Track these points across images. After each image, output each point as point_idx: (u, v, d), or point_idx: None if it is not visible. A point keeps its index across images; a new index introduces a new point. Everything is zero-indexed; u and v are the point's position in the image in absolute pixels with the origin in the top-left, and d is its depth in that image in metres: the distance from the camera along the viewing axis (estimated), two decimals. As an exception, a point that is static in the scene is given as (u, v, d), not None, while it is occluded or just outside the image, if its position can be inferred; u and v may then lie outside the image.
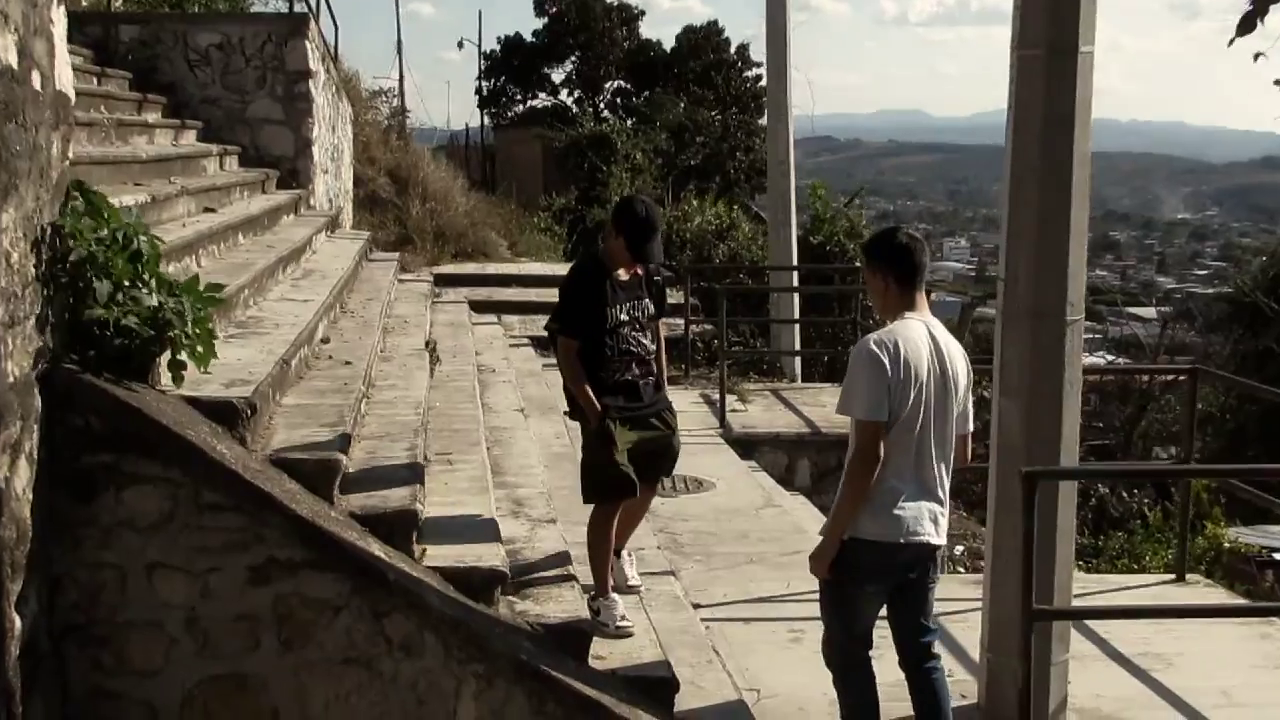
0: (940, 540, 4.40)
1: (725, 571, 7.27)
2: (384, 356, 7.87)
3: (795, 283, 14.36)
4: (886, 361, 4.13)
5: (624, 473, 5.53)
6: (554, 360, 10.35)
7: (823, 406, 11.76)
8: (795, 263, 14.29)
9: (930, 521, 4.35)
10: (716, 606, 6.68)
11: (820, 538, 4.38)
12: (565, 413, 5.89)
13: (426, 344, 8.69)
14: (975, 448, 4.82)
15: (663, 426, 5.76)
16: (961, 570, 10.47)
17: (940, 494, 4.36)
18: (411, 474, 5.37)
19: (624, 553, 6.19)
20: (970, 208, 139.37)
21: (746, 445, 10.50)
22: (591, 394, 5.48)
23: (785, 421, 11.20)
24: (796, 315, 14.15)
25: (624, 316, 5.59)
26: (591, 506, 5.69)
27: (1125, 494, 11.82)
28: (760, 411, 11.64)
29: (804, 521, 8.68)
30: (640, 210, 5.53)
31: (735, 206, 21.23)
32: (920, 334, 4.25)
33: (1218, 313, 23.53)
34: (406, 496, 5.08)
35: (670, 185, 27.33)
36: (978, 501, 13.71)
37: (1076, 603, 5.76)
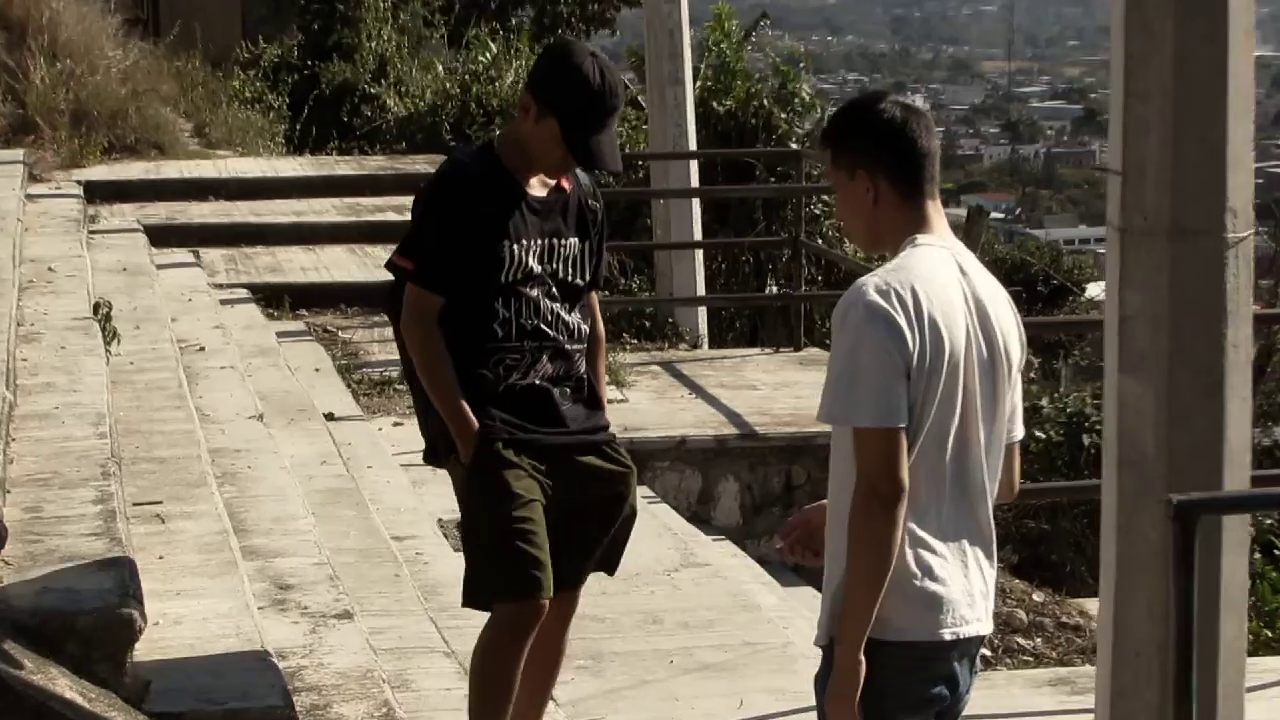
0: (989, 625, 4.33)
1: (631, 687, 7.21)
2: (26, 335, 7.80)
3: (693, 181, 14.34)
4: (903, 323, 3.94)
5: (534, 533, 5.20)
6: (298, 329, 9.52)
7: (753, 389, 11.80)
8: (693, 148, 14.27)
9: (982, 597, 4.25)
10: (624, 747, 6.65)
11: (821, 647, 4.17)
12: (425, 454, 5.58)
13: (95, 308, 8.63)
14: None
15: (605, 465, 5.50)
16: (1003, 660, 10.56)
17: (991, 545, 4.26)
18: (111, 546, 5.23)
19: None
20: (927, 45, 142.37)
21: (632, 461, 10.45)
22: (462, 403, 5.17)
23: (693, 417, 11.24)
24: (697, 236, 14.09)
25: (534, 264, 5.27)
26: (482, 614, 5.40)
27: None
28: (650, 401, 11.67)
29: (748, 588, 8.74)
30: (590, 70, 5.28)
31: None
32: (948, 272, 4.11)
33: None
34: (111, 590, 4.90)
35: (452, 25, 27.07)
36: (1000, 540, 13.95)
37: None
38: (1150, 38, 4.98)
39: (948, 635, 4.10)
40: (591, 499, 5.45)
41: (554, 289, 5.36)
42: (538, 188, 5.36)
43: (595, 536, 5.50)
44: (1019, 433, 4.30)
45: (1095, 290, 23.51)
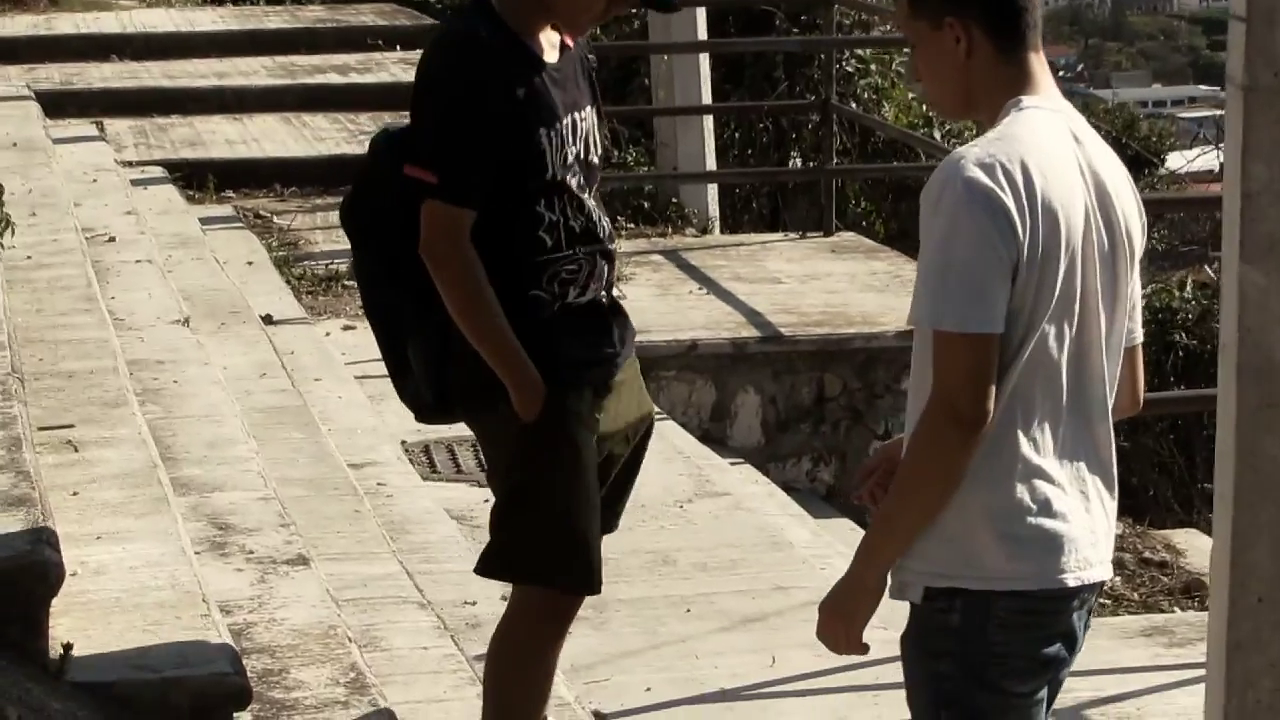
0: (1109, 569, 4.33)
1: (641, 636, 7.26)
2: None
3: (701, 33, 14.31)
4: (1011, 205, 3.87)
5: (596, 515, 5.19)
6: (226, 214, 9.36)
7: (776, 282, 11.79)
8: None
9: (1105, 535, 4.24)
10: (636, 717, 6.63)
11: (910, 601, 4.16)
12: (427, 411, 5.36)
13: (-21, 192, 8.48)
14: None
15: (638, 390, 5.49)
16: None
17: (1112, 470, 4.25)
18: (16, 481, 5.23)
19: None
20: None
21: (634, 369, 10.50)
22: (521, 351, 5.05)
23: (705, 316, 11.28)
24: (706, 99, 14.07)
25: (570, 150, 5.13)
26: (508, 587, 5.42)
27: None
28: (652, 298, 11.68)
29: (775, 521, 8.77)
30: None
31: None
32: (1063, 142, 4.06)
33: None
34: (20, 536, 4.89)
35: None
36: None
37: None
38: None
39: (1071, 581, 4.08)
40: (626, 437, 5.41)
41: (583, 177, 5.21)
42: (548, 50, 5.17)
43: (623, 483, 5.49)
44: (1139, 333, 4.28)
45: (1176, 160, 23.52)
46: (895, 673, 6.89)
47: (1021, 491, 4.02)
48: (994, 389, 3.90)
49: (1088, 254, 4.00)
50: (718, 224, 14.00)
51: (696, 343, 10.72)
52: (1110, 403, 4.17)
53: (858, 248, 12.90)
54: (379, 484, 7.93)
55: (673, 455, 9.25)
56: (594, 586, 5.25)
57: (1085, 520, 4.12)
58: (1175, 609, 8.54)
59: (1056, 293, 3.93)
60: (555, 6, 5.06)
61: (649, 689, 6.80)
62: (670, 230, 13.54)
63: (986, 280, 3.84)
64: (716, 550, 8.08)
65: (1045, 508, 4.08)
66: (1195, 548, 9.45)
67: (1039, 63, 4.07)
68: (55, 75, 15.08)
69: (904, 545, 3.99)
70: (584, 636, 7.07)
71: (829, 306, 11.23)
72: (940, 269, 3.88)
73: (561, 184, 5.05)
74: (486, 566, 5.28)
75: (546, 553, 5.14)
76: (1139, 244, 4.17)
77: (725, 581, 7.75)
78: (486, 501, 7.88)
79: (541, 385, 5.00)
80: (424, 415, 5.40)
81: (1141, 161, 23.56)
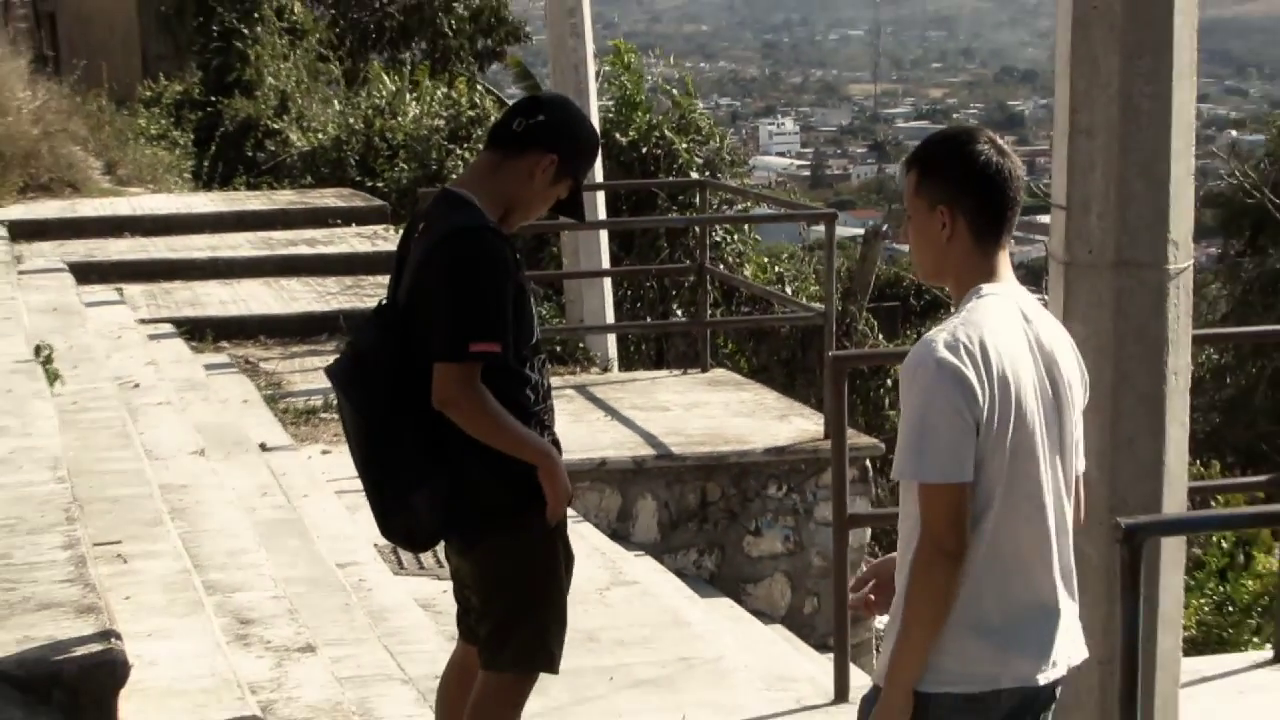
0: (1074, 663, 4.13)
1: (570, 701, 7.15)
2: None
3: (600, 212, 14.32)
4: (973, 378, 3.81)
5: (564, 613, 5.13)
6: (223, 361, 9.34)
7: (665, 410, 11.76)
8: (599, 179, 14.21)
9: (1049, 643, 4.04)
10: (574, 765, 6.57)
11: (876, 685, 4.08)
12: (458, 538, 5.01)
13: (36, 351, 8.46)
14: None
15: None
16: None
17: (1067, 586, 4.07)
18: (85, 592, 5.07)
19: None
20: (797, 69, 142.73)
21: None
22: (543, 441, 4.94)
23: (611, 439, 11.18)
24: (605, 264, 14.06)
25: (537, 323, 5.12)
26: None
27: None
28: (568, 423, 11.42)
29: (675, 603, 8.71)
30: (589, 125, 5.16)
31: (480, 88, 21.03)
32: (1014, 322, 3.98)
33: (1200, 219, 24.81)
34: (93, 636, 4.76)
35: (347, 61, 26.89)
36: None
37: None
38: (1097, 74, 4.98)
39: (1041, 679, 3.97)
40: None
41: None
42: None
43: None
44: (1081, 465, 4.17)
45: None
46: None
47: (989, 595, 3.91)
48: (968, 524, 3.82)
49: (1036, 411, 3.91)
50: (616, 364, 13.95)
51: (605, 460, 10.66)
52: (1068, 524, 4.04)
53: (728, 381, 12.86)
54: (360, 579, 7.81)
55: (592, 551, 9.15)
56: (552, 664, 5.14)
57: (1047, 620, 3.99)
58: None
59: (1009, 445, 3.86)
60: (513, 209, 4.95)
61: (587, 746, 6.71)
62: (578, 369, 13.47)
63: (957, 440, 3.78)
64: (631, 628, 8.00)
65: (1011, 607, 3.94)
66: None
67: (1003, 256, 3.99)
68: (80, 249, 14.91)
69: (920, 665, 3.87)
70: (529, 701, 7.10)
71: (708, 429, 11.17)
72: (919, 433, 3.81)
73: (538, 347, 4.97)
74: (504, 663, 5.02)
75: (550, 644, 5.06)
76: (1079, 398, 4.07)
77: (639, 654, 7.68)
78: (445, 592, 7.86)
79: (564, 482, 4.90)
80: (417, 544, 5.22)
81: (939, 304, 23.60)
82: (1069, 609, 4.04)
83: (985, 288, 3.94)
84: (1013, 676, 3.94)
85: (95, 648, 4.69)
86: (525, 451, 4.81)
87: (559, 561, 5.05)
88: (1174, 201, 5.07)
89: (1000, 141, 4.02)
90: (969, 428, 3.79)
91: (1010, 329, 3.92)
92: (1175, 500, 5.27)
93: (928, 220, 3.98)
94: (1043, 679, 3.98)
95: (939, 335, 3.85)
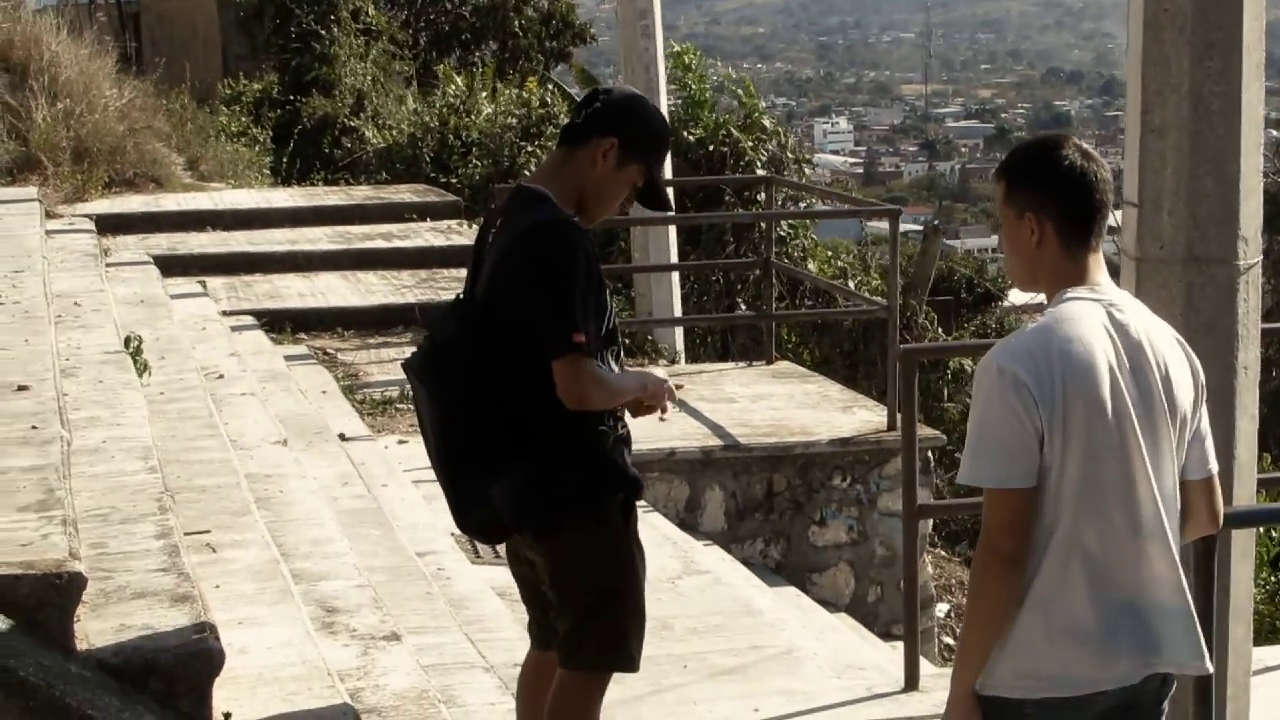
0: (1182, 664, 3.99)
1: (646, 690, 6.99)
2: (64, 369, 7.55)
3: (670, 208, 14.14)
4: (1034, 385, 3.75)
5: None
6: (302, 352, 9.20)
7: (732, 401, 11.67)
8: (668, 175, 14.05)
9: (1148, 643, 3.91)
10: (651, 753, 6.48)
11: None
12: (538, 525, 4.80)
13: (126, 342, 8.43)
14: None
15: None
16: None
17: (1164, 588, 3.94)
18: (180, 582, 5.02)
19: None
20: (850, 70, 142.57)
21: (624, 471, 10.35)
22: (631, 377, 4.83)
23: (679, 430, 11.03)
24: (674, 259, 13.94)
25: (612, 314, 4.99)
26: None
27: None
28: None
29: (745, 593, 8.61)
30: (659, 113, 5.02)
31: (550, 87, 20.99)
32: (1095, 326, 3.86)
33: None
34: (187, 626, 4.72)
35: (425, 57, 26.92)
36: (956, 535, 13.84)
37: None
38: (1168, 75, 4.95)
39: (1093, 688, 3.87)
40: None
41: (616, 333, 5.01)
42: None
43: None
44: (1213, 466, 4.04)
45: (1017, 296, 23.41)
46: (852, 715, 6.84)
47: (1049, 603, 3.83)
48: (1027, 529, 3.76)
49: (1120, 416, 3.80)
50: (683, 356, 13.91)
51: (674, 450, 10.58)
52: (1173, 529, 3.93)
53: (793, 374, 12.77)
54: (439, 569, 7.73)
55: (663, 541, 9.09)
56: (633, 663, 5.01)
57: (1112, 626, 3.87)
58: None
59: (1087, 445, 3.77)
60: (585, 200, 4.83)
61: (660, 730, 6.61)
62: (646, 361, 13.34)
63: (1013, 446, 3.73)
64: (704, 617, 7.93)
65: (1072, 619, 3.85)
66: None
67: (1095, 260, 3.92)
68: (163, 243, 14.87)
69: (979, 665, 3.85)
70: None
71: (774, 421, 11.10)
72: (978, 437, 3.79)
73: (613, 337, 4.85)
74: (585, 662, 4.88)
75: (630, 642, 4.93)
76: (1184, 398, 3.93)
77: (712, 642, 7.60)
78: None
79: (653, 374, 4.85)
80: (492, 537, 5.12)
81: (990, 296, 23.49)
82: (1176, 607, 3.93)
83: (1070, 291, 3.87)
84: (1113, 679, 3.86)
85: (191, 636, 4.65)
86: (629, 395, 4.74)
87: (636, 556, 4.91)
88: (1243, 198, 5.04)
89: (1086, 147, 3.94)
90: (1028, 433, 3.74)
91: (1091, 332, 3.83)
92: (1245, 492, 5.22)
93: (1017, 228, 3.92)
94: (1143, 677, 3.89)
95: (1009, 340, 3.83)
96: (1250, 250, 5.01)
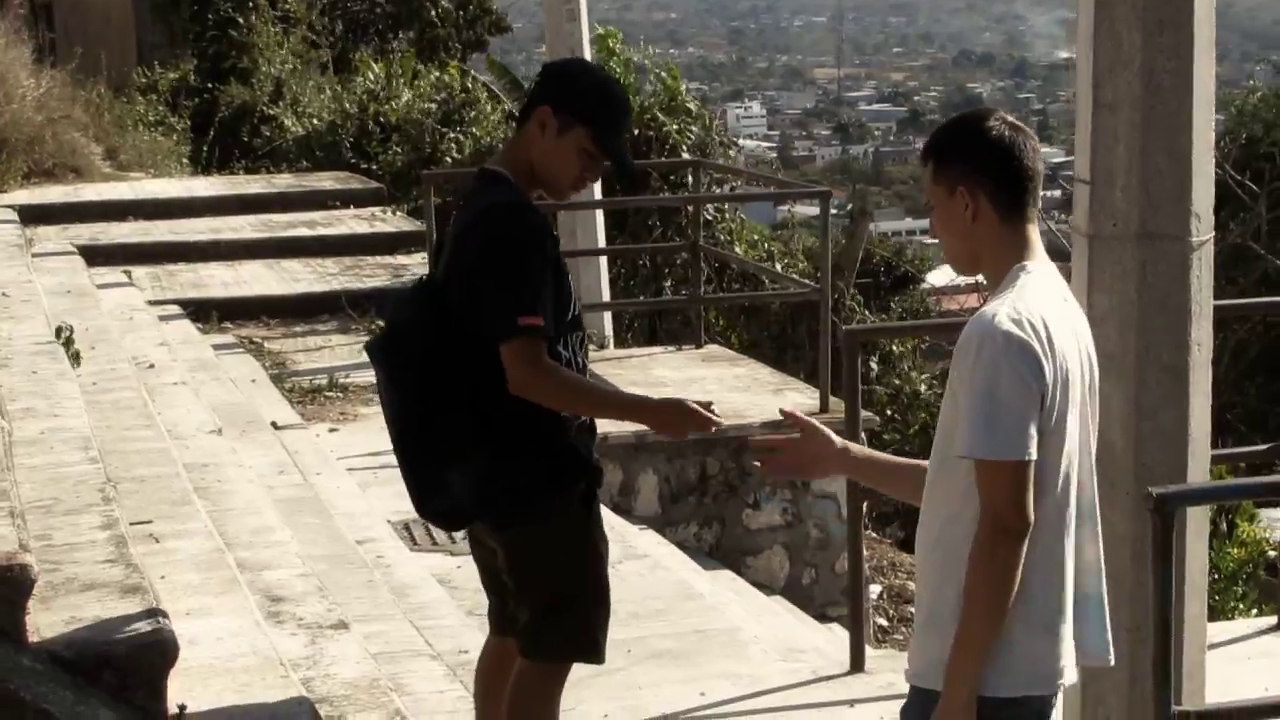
0: (1096, 655, 3.89)
1: (594, 677, 6.80)
2: None
3: (597, 193, 14.07)
4: (1039, 351, 3.64)
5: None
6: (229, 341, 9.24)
7: (662, 385, 11.62)
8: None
9: (1080, 635, 3.84)
10: (601, 738, 6.43)
11: (914, 685, 3.81)
12: (497, 517, 4.72)
13: (58, 332, 8.37)
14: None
15: None
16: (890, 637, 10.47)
17: (1096, 574, 3.87)
18: (129, 572, 4.98)
19: None
20: (763, 55, 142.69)
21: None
22: (630, 394, 4.79)
23: None
24: (601, 242, 13.94)
25: (573, 298, 4.90)
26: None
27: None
28: (569, 400, 11.39)
29: (685, 576, 8.62)
30: (603, 75, 4.96)
31: (469, 73, 20.88)
32: (1058, 301, 3.82)
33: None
34: (139, 616, 4.66)
35: (341, 44, 26.72)
36: (888, 516, 13.86)
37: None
38: (1119, 50, 4.94)
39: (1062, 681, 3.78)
40: None
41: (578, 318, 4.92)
42: None
43: None
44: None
45: (935, 278, 23.42)
46: (800, 697, 6.83)
47: (1041, 590, 3.72)
48: (1032, 502, 3.62)
49: (1081, 384, 3.77)
50: (612, 340, 13.84)
51: (607, 436, 10.50)
52: (1097, 507, 3.87)
53: (722, 357, 12.75)
54: (378, 556, 7.70)
55: (599, 526, 9.09)
56: (598, 652, 4.93)
57: (1088, 613, 3.82)
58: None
59: (1069, 421, 3.71)
60: (538, 175, 4.71)
61: (606, 715, 6.61)
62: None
63: (1026, 415, 3.60)
64: (645, 601, 7.88)
65: (1058, 602, 3.76)
66: None
67: (1033, 231, 3.82)
68: (85, 233, 14.77)
69: (985, 657, 3.64)
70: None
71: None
72: (989, 409, 3.61)
73: (575, 323, 4.76)
74: (550, 653, 4.79)
75: (595, 631, 4.86)
76: (1097, 375, 3.91)
77: (654, 626, 7.56)
78: (459, 568, 7.74)
79: (675, 399, 4.77)
80: (453, 524, 5.05)
81: (910, 279, 23.52)
82: (1100, 596, 3.86)
83: (1030, 264, 3.78)
84: (1069, 676, 3.79)
85: (143, 628, 4.60)
86: (610, 412, 4.76)
87: (600, 545, 4.83)
88: (1195, 174, 5.04)
89: (1013, 119, 3.85)
90: (1036, 401, 3.63)
91: (1059, 306, 3.77)
92: (1199, 469, 5.23)
93: (949, 206, 3.81)
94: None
95: (1000, 309, 3.67)
96: (1203, 226, 5.02)
